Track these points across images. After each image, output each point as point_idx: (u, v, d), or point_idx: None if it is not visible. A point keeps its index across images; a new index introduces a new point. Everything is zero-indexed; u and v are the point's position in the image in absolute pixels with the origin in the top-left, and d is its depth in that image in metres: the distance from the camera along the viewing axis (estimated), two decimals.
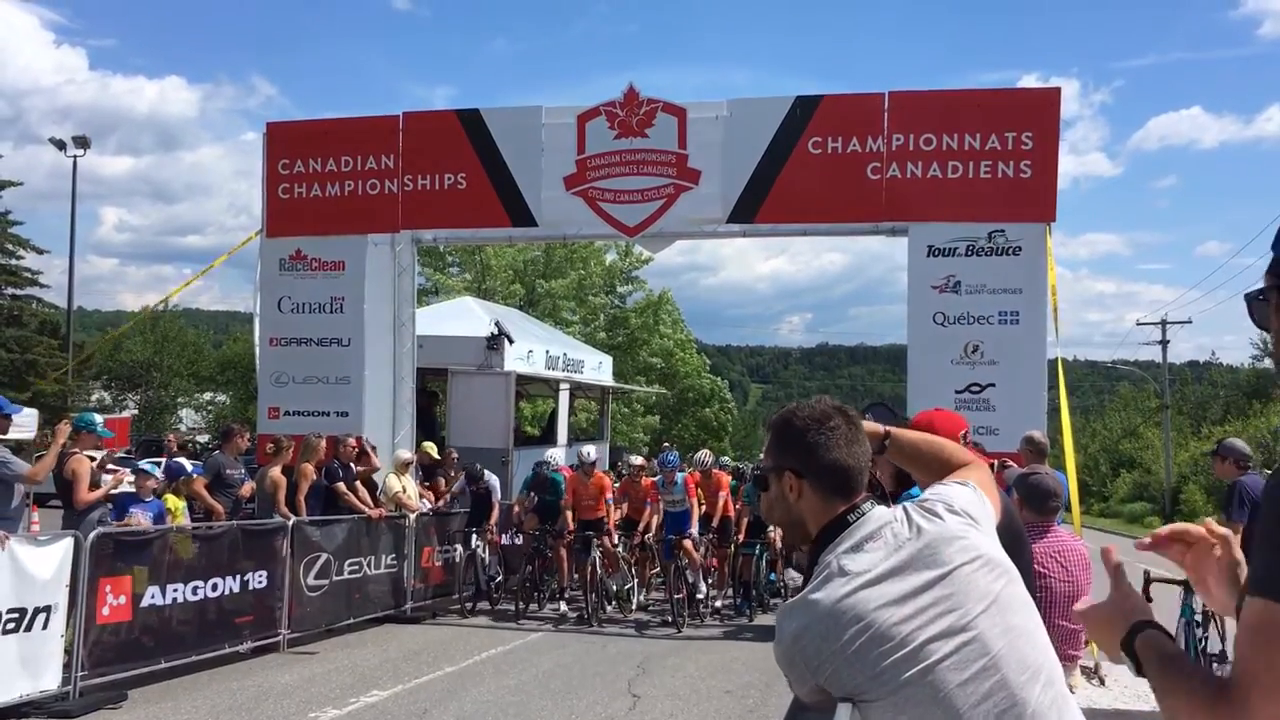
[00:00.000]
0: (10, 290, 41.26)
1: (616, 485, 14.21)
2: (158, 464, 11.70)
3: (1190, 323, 46.70)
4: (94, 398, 46.29)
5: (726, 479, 14.37)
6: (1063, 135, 12.82)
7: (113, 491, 9.95)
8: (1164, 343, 46.47)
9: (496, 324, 18.27)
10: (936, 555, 2.03)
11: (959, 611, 1.97)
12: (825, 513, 2.17)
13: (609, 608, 13.07)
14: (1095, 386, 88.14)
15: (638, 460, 13.80)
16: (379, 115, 14.53)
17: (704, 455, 14.49)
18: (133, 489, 9.99)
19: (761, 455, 2.34)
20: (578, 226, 14.55)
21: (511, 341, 18.14)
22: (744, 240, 14.57)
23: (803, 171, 12.94)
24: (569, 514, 13.27)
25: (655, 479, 13.94)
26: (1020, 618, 2.02)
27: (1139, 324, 48.87)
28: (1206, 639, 8.45)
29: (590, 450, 14.00)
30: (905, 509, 2.14)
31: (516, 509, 14.28)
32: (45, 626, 7.83)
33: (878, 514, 2.13)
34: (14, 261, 41.36)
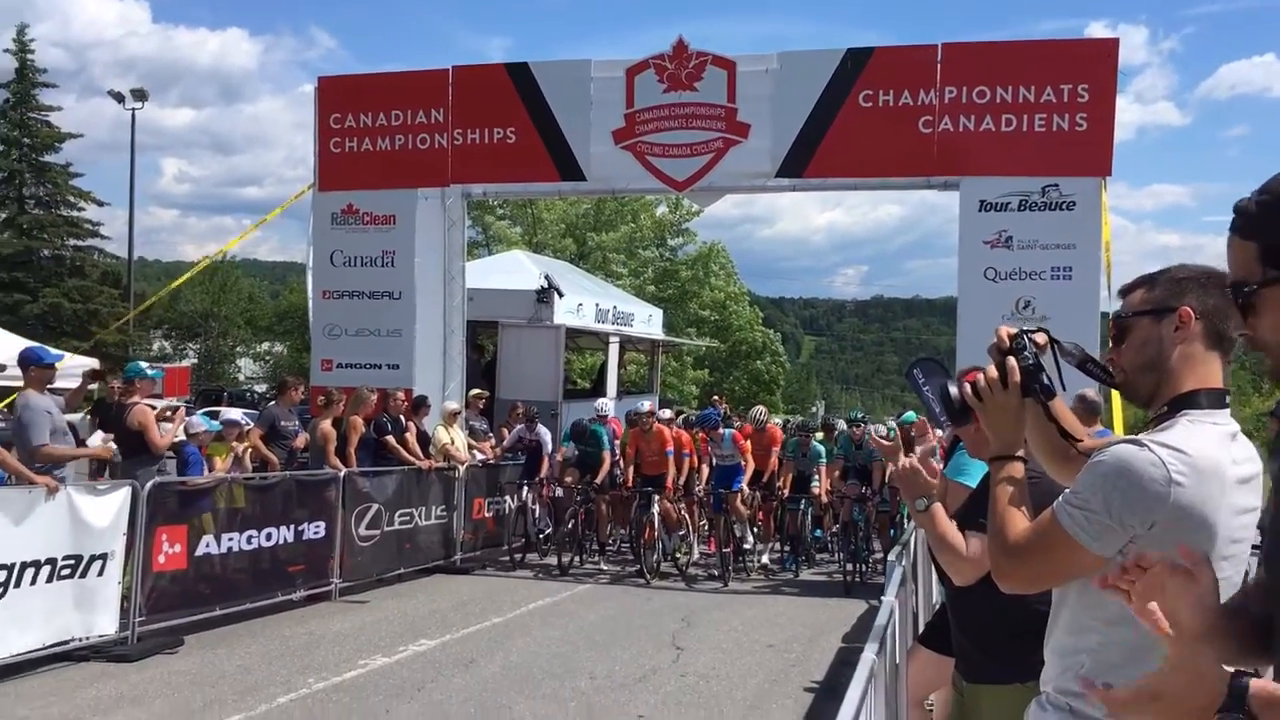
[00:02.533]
0: (73, 241, 42.11)
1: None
2: (213, 414, 11.94)
3: None
4: (155, 347, 47.23)
5: (780, 435, 14.38)
6: (1129, 84, 12.55)
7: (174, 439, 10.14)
8: None
9: (546, 277, 18.33)
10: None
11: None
12: (1202, 368, 2.16)
13: (663, 564, 13.15)
14: None
15: (646, 405, 13.67)
16: (429, 69, 14.54)
17: (758, 411, 14.52)
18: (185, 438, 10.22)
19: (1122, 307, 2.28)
20: (626, 181, 14.51)
21: (561, 295, 18.20)
22: (799, 193, 14.44)
23: (853, 125, 12.77)
24: (631, 470, 13.32)
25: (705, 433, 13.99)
26: None
27: None
28: None
29: (647, 404, 14.02)
30: None
31: (559, 459, 14.40)
32: (101, 573, 8.08)
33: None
34: (76, 213, 42.17)
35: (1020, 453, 2.23)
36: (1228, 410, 2.16)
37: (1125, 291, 2.32)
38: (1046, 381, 2.23)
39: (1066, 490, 2.12)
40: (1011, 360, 2.22)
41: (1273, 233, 1.56)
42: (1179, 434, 2.06)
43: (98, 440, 10.50)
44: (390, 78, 15.01)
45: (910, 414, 14.08)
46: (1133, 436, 2.10)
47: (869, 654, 2.19)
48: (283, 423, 11.35)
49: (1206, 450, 2.03)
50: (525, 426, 14.36)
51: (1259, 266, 1.54)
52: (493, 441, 14.85)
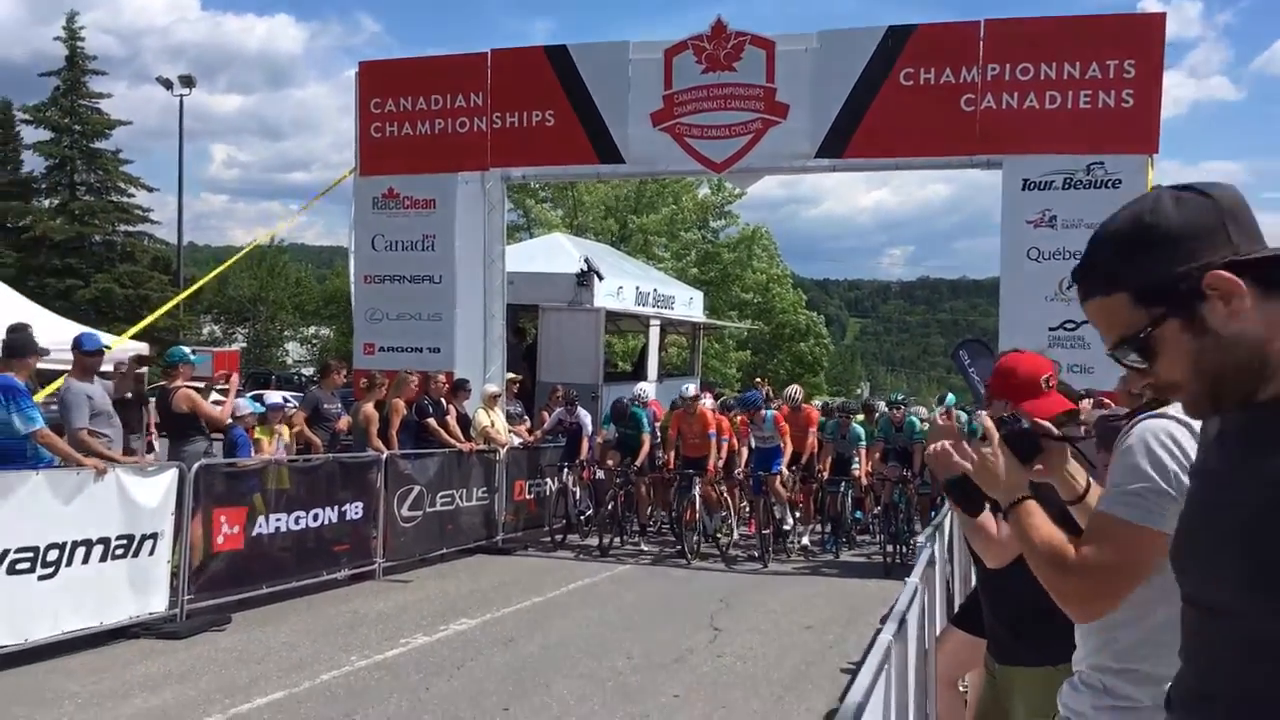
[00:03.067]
0: (123, 227, 42.78)
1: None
2: (257, 398, 12.11)
3: None
4: (204, 331, 47.92)
5: (816, 415, 14.35)
6: (1183, 59, 12.35)
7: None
8: None
9: (586, 260, 18.35)
10: None
11: None
12: None
13: (703, 545, 13.19)
14: None
15: (691, 390, 13.67)
16: (467, 53, 14.60)
17: (793, 391, 14.50)
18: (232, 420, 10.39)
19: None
20: (665, 163, 14.51)
21: (601, 278, 18.22)
22: (844, 173, 14.38)
23: (894, 104, 12.68)
24: (671, 453, 13.34)
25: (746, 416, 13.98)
26: None
27: None
28: None
29: (692, 387, 14.03)
30: None
31: (599, 441, 14.46)
32: (152, 553, 8.27)
33: None
34: (126, 199, 42.83)
35: (1026, 492, 2.17)
36: None
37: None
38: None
39: (1106, 489, 2.10)
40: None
41: (1136, 274, 1.50)
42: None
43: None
44: (429, 62, 15.11)
45: (951, 397, 13.99)
46: (1149, 414, 2.09)
47: (885, 636, 2.21)
48: (326, 406, 11.49)
49: None
50: (565, 409, 14.43)
51: (1140, 312, 1.50)
52: (528, 424, 14.95)
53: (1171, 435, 2.02)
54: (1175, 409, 2.05)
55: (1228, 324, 1.42)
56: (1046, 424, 2.33)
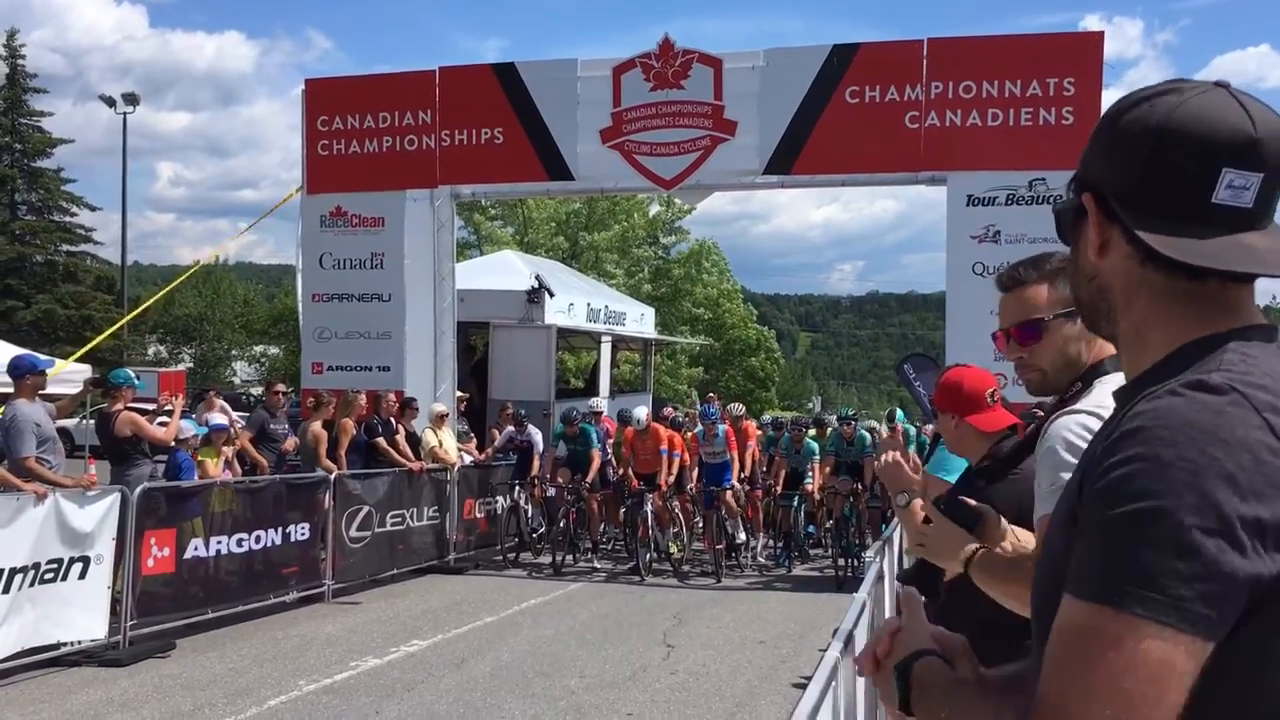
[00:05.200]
0: (65, 247, 42.09)
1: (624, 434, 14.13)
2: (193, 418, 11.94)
3: None
4: (150, 352, 47.19)
5: (754, 429, 14.57)
6: (1123, 76, 12.60)
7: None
8: None
9: (537, 277, 18.34)
10: None
11: None
12: (1100, 343, 2.26)
13: (656, 561, 13.16)
14: None
15: (642, 414, 13.71)
16: (415, 70, 14.53)
17: (733, 407, 14.69)
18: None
19: None
20: (614, 180, 14.52)
21: (552, 295, 18.22)
22: (795, 189, 14.50)
23: (840, 121, 12.79)
24: (631, 470, 13.31)
25: (696, 431, 14.03)
26: None
27: None
28: None
29: (642, 411, 14.00)
30: None
31: (550, 458, 14.41)
32: (83, 576, 8.09)
33: None
34: (68, 219, 42.15)
35: (971, 550, 2.27)
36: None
37: (1013, 283, 2.37)
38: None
39: (1035, 491, 2.21)
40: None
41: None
42: (1097, 394, 2.15)
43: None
44: (377, 79, 15.04)
45: (900, 413, 14.13)
46: (1060, 412, 2.15)
47: (832, 653, 2.22)
48: (272, 425, 11.36)
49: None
50: (515, 429, 14.38)
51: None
52: (475, 443, 14.87)
53: (1085, 426, 2.07)
54: (1086, 402, 2.12)
55: (1085, 252, 1.27)
56: (975, 504, 2.37)
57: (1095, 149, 1.26)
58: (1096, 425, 1.98)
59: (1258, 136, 1.14)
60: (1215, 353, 1.14)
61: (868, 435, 13.96)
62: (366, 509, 11.46)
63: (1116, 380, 1.92)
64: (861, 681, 3.59)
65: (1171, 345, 1.19)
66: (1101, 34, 12.92)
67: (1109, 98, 12.41)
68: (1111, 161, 1.23)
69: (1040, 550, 1.34)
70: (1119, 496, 1.05)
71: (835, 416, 15.32)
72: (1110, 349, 2.18)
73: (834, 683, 2.31)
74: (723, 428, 13.59)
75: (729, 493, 13.14)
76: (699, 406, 15.07)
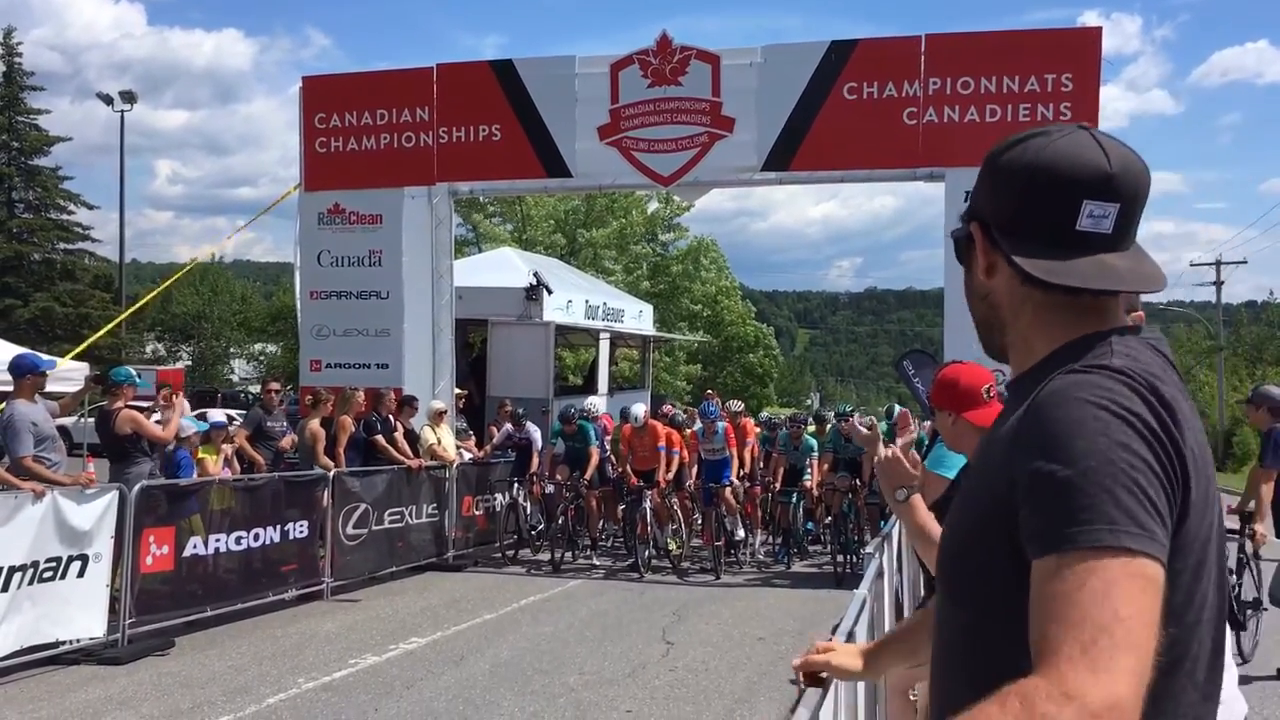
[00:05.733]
0: (63, 245, 42.07)
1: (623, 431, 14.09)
2: (201, 416, 11.94)
3: (1245, 263, 45.49)
4: (148, 350, 47.18)
5: (753, 426, 14.61)
6: (1118, 72, 12.60)
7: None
8: (1218, 283, 45.58)
9: (535, 274, 18.34)
10: None
11: None
12: None
13: (655, 558, 13.17)
14: (1150, 328, 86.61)
15: (640, 412, 13.68)
16: (413, 68, 14.52)
17: (732, 404, 14.67)
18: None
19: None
20: (612, 177, 14.50)
21: (550, 292, 18.22)
22: (793, 185, 14.46)
23: (838, 117, 12.79)
24: (629, 467, 13.31)
25: (696, 428, 14.02)
26: None
27: (1193, 265, 48.02)
28: (1240, 585, 8.40)
29: (640, 408, 13.99)
30: None
31: (548, 455, 14.40)
32: (81, 574, 8.08)
33: None
34: (66, 217, 42.13)
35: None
36: None
37: None
38: None
39: None
40: None
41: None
42: None
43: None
44: (375, 77, 15.02)
45: (898, 408, 14.10)
46: None
47: None
48: (269, 424, 11.35)
49: None
50: (513, 427, 14.37)
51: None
52: (473, 440, 14.87)
53: None
54: None
55: (975, 275, 1.49)
56: None
57: (980, 185, 1.47)
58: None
59: (1113, 172, 1.35)
60: (1101, 345, 1.36)
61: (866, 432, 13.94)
62: (365, 507, 11.46)
63: None
64: (862, 695, 3.59)
65: (1052, 347, 1.40)
66: (1099, 29, 12.92)
67: (1107, 93, 12.42)
68: (992, 196, 1.44)
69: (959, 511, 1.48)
70: (1059, 457, 1.22)
71: (833, 413, 15.32)
72: None
73: (835, 680, 2.30)
74: (722, 425, 13.58)
75: (728, 489, 13.14)
76: (702, 405, 15.01)
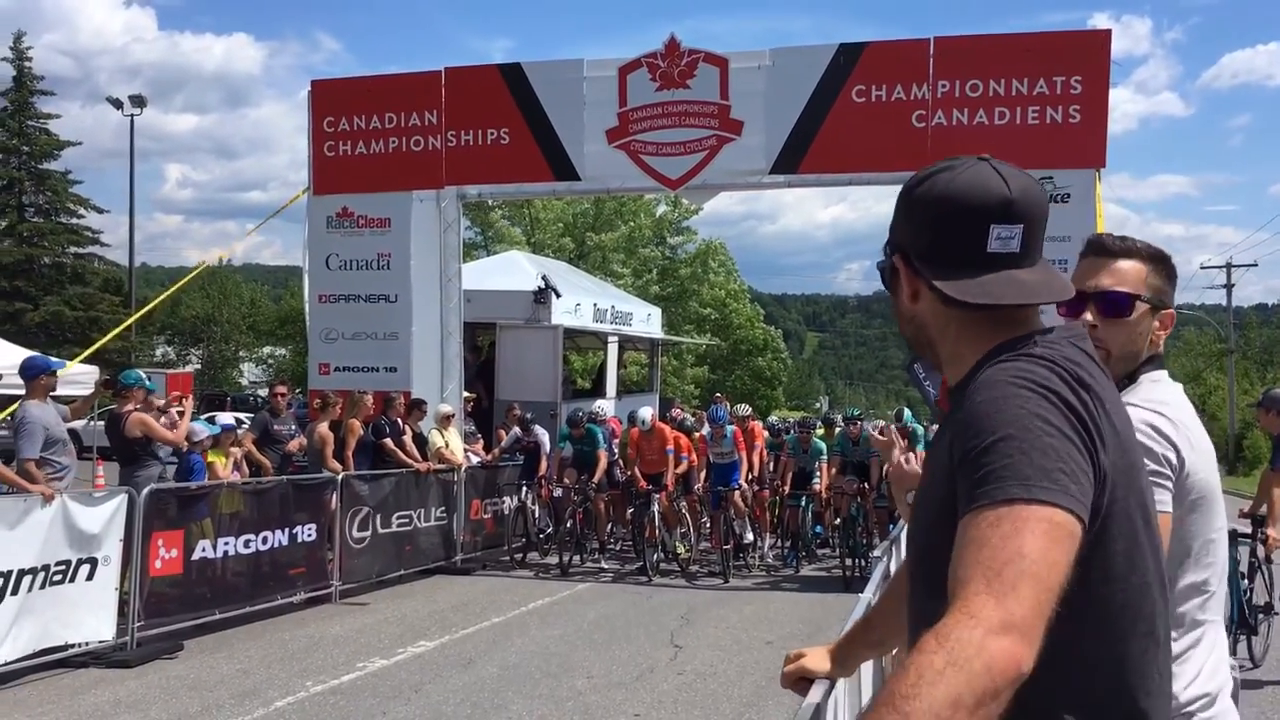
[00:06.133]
0: (73, 249, 42.20)
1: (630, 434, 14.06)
2: (211, 419, 11.97)
3: (1256, 265, 45.40)
4: (157, 353, 47.32)
5: (761, 430, 14.61)
6: (1128, 75, 12.57)
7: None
8: (1229, 286, 45.40)
9: (543, 278, 18.33)
10: None
11: None
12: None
13: (663, 561, 13.15)
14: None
15: (648, 415, 13.64)
16: (421, 71, 14.54)
17: (741, 406, 14.67)
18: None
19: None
20: (620, 180, 14.51)
21: (558, 295, 18.21)
22: (802, 188, 14.47)
23: (846, 121, 12.77)
24: (637, 471, 13.31)
25: (704, 432, 14.00)
26: None
27: (1203, 268, 47.76)
28: (1252, 590, 8.37)
29: (647, 412, 13.96)
30: None
31: (556, 459, 14.39)
32: (91, 578, 8.10)
33: None
34: (75, 220, 42.27)
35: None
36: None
37: (1120, 251, 2.21)
38: None
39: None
40: None
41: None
42: (1145, 390, 2.12)
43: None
44: (383, 80, 15.03)
45: (908, 413, 14.10)
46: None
47: None
48: (276, 427, 11.37)
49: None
50: (521, 431, 14.37)
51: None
52: (481, 444, 14.88)
53: (1153, 425, 2.06)
54: (1137, 396, 2.11)
55: (902, 301, 1.61)
56: None
57: (897, 219, 1.60)
58: (1162, 424, 1.99)
59: (1013, 197, 1.51)
60: (1025, 343, 1.49)
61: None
62: (374, 510, 11.48)
63: (1161, 378, 2.18)
64: (868, 684, 3.58)
65: (979, 355, 1.52)
66: (1109, 32, 12.88)
67: (1117, 96, 12.40)
68: (910, 228, 1.57)
69: (921, 495, 1.61)
70: (983, 431, 1.36)
71: (841, 416, 15.30)
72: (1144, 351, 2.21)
73: (836, 685, 2.30)
74: (730, 429, 13.56)
75: (736, 493, 13.12)
76: (710, 409, 14.96)
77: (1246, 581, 8.30)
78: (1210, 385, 52.05)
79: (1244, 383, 46.44)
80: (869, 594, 3.55)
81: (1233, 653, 7.79)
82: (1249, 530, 8.33)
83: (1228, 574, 7.33)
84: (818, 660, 2.19)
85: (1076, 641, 1.40)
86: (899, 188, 1.66)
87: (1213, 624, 2.02)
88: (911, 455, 3.05)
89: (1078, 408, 1.38)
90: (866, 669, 3.41)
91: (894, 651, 4.59)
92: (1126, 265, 2.18)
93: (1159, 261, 2.18)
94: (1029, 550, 1.23)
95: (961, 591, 1.23)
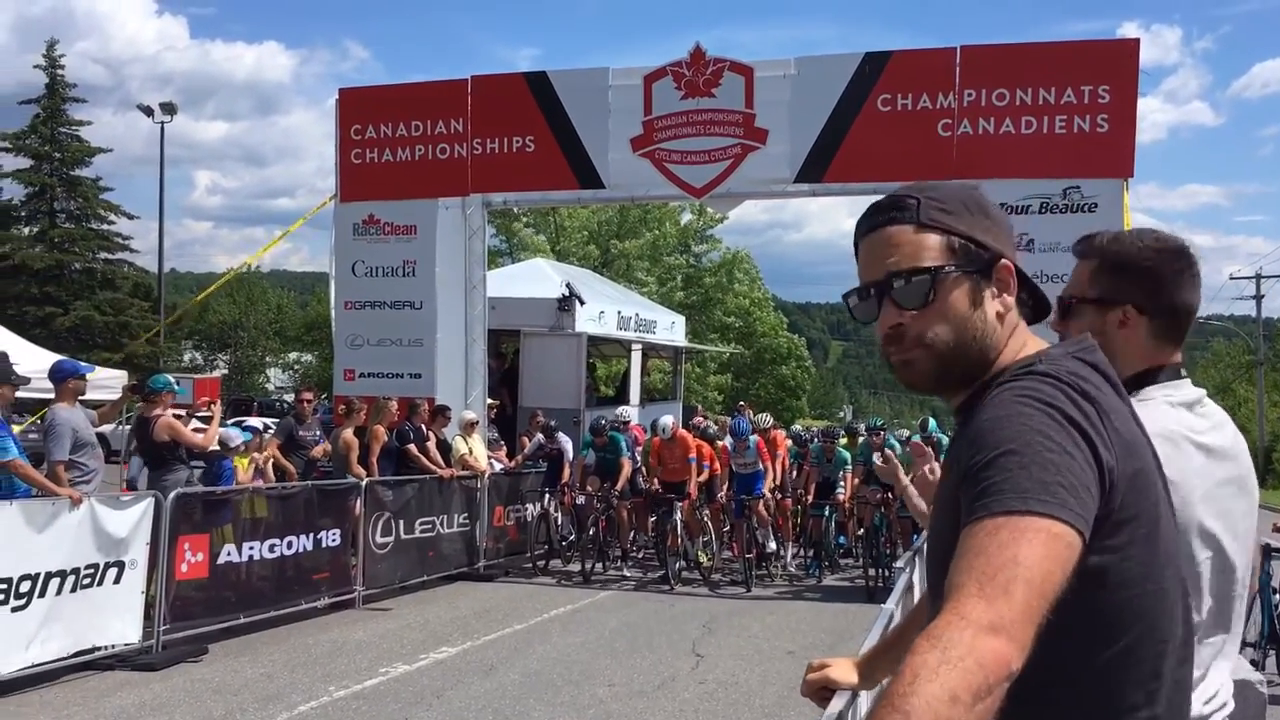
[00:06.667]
0: (103, 254, 42.63)
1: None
2: (239, 424, 12.06)
3: None
4: (185, 358, 47.71)
5: (784, 439, 14.56)
6: (1157, 84, 12.51)
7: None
8: (1259, 297, 44.97)
9: (567, 285, 18.39)
10: (1242, 461, 2.07)
11: (1240, 531, 2.01)
12: (1154, 356, 2.09)
13: (685, 570, 13.12)
14: (1188, 342, 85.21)
15: (669, 423, 13.61)
16: (448, 80, 14.63)
17: (763, 417, 14.63)
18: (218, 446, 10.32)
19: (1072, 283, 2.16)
20: (645, 188, 14.54)
21: (582, 303, 18.26)
22: (828, 197, 14.43)
23: (872, 129, 12.75)
24: (656, 480, 13.29)
25: (727, 441, 13.96)
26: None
27: (1232, 278, 47.30)
28: None
29: (668, 420, 13.94)
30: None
31: (579, 466, 14.38)
32: (118, 581, 8.16)
33: (1197, 388, 2.11)
34: (106, 226, 42.70)
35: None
36: (1186, 381, 2.10)
37: (1081, 255, 2.16)
38: None
39: None
40: None
41: (966, 226, 1.58)
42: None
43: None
44: (410, 88, 15.12)
45: (933, 422, 14.03)
46: None
47: None
48: (301, 433, 11.43)
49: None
50: (545, 437, 14.40)
51: (943, 256, 1.58)
52: (504, 451, 14.91)
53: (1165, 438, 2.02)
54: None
55: (989, 309, 1.57)
56: None
57: (964, 223, 1.57)
58: (1168, 449, 1.86)
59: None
60: (1031, 358, 1.53)
61: (898, 444, 13.85)
62: (399, 516, 11.52)
63: (1150, 397, 2.05)
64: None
65: (998, 367, 1.57)
66: (1137, 41, 12.82)
67: (1146, 105, 12.31)
68: (979, 228, 1.58)
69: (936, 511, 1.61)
70: (986, 446, 1.38)
71: (864, 426, 15.24)
72: (1161, 358, 2.10)
73: (859, 698, 2.29)
74: (754, 439, 13.47)
75: (760, 501, 13.08)
76: (732, 422, 14.87)
77: (1278, 597, 8.20)
78: (1240, 397, 51.49)
79: (1273, 394, 45.94)
80: (891, 604, 3.54)
81: (1261, 667, 7.71)
82: None
83: (1260, 589, 7.18)
84: (844, 672, 2.16)
85: (1090, 648, 1.43)
86: None
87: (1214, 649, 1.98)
88: (935, 466, 3.05)
89: (1079, 420, 1.40)
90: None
91: None
92: (1079, 266, 2.15)
93: (1103, 255, 2.11)
94: (1024, 558, 1.25)
95: (955, 595, 1.25)
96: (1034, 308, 1.68)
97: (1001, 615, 1.20)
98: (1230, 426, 2.11)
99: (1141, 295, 2.06)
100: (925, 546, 6.51)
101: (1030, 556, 1.25)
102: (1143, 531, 1.44)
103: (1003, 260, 1.58)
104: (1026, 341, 1.59)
